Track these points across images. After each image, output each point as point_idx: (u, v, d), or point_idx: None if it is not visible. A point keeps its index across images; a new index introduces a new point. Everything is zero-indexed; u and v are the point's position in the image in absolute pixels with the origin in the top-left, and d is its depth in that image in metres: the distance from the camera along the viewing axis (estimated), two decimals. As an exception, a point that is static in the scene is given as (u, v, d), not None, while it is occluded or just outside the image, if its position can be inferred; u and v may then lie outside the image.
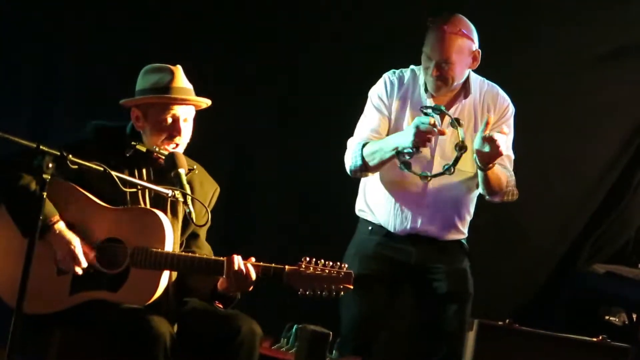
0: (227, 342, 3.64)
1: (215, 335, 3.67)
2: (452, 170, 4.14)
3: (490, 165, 4.14)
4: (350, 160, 4.34)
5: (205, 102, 3.87)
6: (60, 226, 3.61)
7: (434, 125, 4.02)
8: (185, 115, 3.81)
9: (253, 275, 3.64)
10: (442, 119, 4.23)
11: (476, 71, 4.38)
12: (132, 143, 3.76)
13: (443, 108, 4.19)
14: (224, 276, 3.67)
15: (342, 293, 3.68)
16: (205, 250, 3.95)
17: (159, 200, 3.77)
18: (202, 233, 3.95)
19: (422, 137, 4.03)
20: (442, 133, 4.11)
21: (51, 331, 3.69)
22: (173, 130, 3.78)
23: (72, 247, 3.59)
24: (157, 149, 3.77)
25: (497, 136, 4.03)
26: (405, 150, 4.11)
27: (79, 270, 3.61)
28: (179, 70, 3.82)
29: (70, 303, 3.64)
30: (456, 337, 4.37)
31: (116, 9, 5.31)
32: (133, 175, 3.73)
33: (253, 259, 3.69)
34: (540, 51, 5.32)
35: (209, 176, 3.99)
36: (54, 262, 3.65)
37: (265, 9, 5.39)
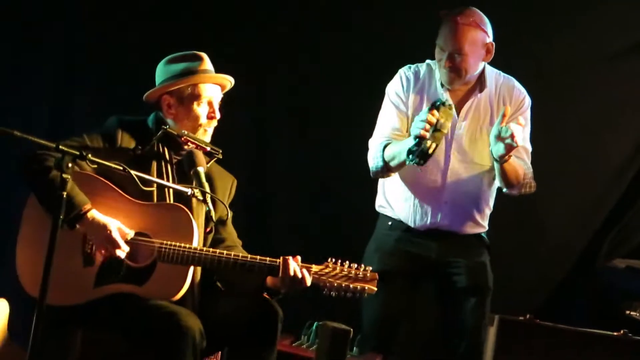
0: (249, 325, 3.65)
1: (236, 320, 3.68)
2: (428, 145, 4.05)
3: (507, 157, 4.14)
4: (372, 162, 4.34)
5: (230, 81, 3.90)
6: (94, 213, 3.59)
7: (431, 113, 4.02)
8: (217, 97, 3.86)
9: (308, 281, 3.70)
10: (457, 111, 4.25)
11: (493, 64, 4.38)
12: (163, 127, 3.76)
13: (441, 99, 4.17)
14: (279, 277, 3.70)
15: (365, 295, 3.72)
16: (233, 235, 3.98)
17: (182, 195, 3.77)
18: (229, 220, 3.95)
19: (419, 129, 4.03)
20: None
21: (72, 332, 3.69)
22: (211, 112, 3.83)
23: (109, 231, 3.58)
24: (185, 132, 3.79)
25: (513, 127, 4.03)
26: (412, 148, 4.09)
27: (121, 254, 3.60)
28: (205, 55, 3.86)
29: (95, 295, 3.64)
30: (475, 332, 4.37)
31: (136, 3, 5.37)
32: (159, 168, 3.75)
33: (299, 258, 3.72)
34: (560, 45, 5.30)
35: (224, 170, 3.99)
36: (80, 254, 3.65)
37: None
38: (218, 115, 3.85)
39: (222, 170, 3.98)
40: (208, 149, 3.82)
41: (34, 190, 3.67)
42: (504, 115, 4.10)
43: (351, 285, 3.69)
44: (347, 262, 3.73)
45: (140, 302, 3.61)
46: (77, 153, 3.21)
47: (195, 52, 3.86)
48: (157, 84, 3.87)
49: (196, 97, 3.81)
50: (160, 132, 3.75)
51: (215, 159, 3.87)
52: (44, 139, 3.25)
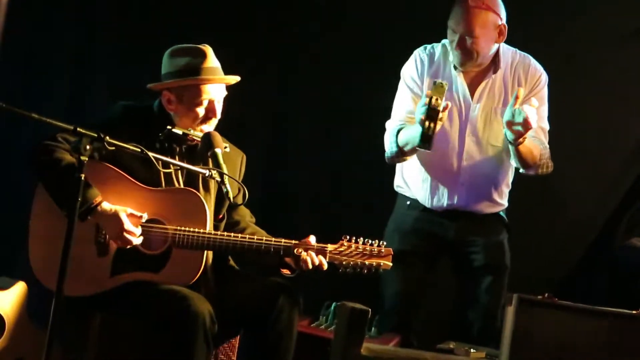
0: (267, 311, 3.69)
1: (254, 306, 3.72)
2: (427, 128, 3.96)
3: (521, 140, 4.12)
4: (387, 147, 4.34)
5: (234, 79, 3.87)
6: (105, 206, 3.59)
7: (429, 97, 3.93)
8: (219, 96, 3.82)
9: (325, 266, 3.78)
10: (471, 92, 4.24)
11: (514, 42, 4.36)
12: (168, 127, 3.76)
13: (439, 81, 4.10)
14: (294, 259, 3.77)
15: (381, 270, 3.81)
16: (247, 217, 4.01)
17: (191, 178, 3.79)
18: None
19: (421, 113, 3.99)
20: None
21: (91, 315, 3.71)
22: (209, 112, 3.81)
23: (122, 222, 3.58)
24: (191, 131, 3.78)
25: (526, 109, 4.01)
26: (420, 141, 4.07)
27: (136, 241, 3.61)
28: (209, 50, 3.82)
29: (112, 285, 3.66)
30: (492, 310, 4.39)
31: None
32: (165, 155, 3.73)
33: (313, 238, 3.78)
34: (581, 21, 5.27)
35: (232, 146, 3.97)
36: (93, 243, 3.66)
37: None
38: (218, 115, 3.84)
39: (231, 147, 3.95)
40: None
41: (45, 184, 3.67)
42: (516, 98, 4.07)
43: (367, 262, 3.80)
44: (362, 238, 3.80)
45: (152, 287, 3.64)
46: (95, 135, 3.21)
47: (199, 46, 3.82)
48: (162, 74, 3.85)
49: (196, 97, 3.79)
50: (165, 132, 3.75)
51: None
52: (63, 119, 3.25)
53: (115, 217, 3.58)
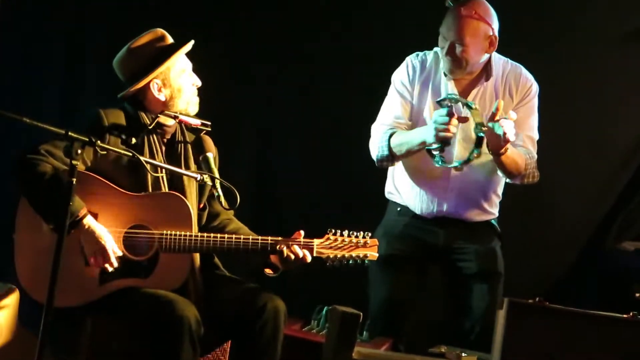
0: (252, 320, 3.66)
1: (240, 314, 3.70)
2: (476, 155, 4.10)
3: (502, 151, 4.13)
4: (377, 150, 4.34)
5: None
6: (89, 221, 3.57)
7: (450, 115, 4.02)
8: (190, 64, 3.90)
9: (308, 259, 3.78)
10: (462, 105, 4.23)
11: (504, 50, 4.36)
12: (158, 114, 3.77)
13: (456, 96, 4.17)
14: (279, 256, 3.76)
15: (367, 261, 3.84)
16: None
17: (173, 176, 3.78)
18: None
19: (442, 131, 4.02)
20: (463, 120, 4.09)
21: (82, 319, 3.70)
22: (195, 81, 3.86)
23: (103, 243, 3.57)
24: (179, 114, 3.80)
25: (503, 122, 4.01)
26: (433, 147, 4.10)
27: (109, 268, 3.60)
28: (162, 30, 3.85)
29: (101, 293, 3.65)
30: (487, 317, 4.36)
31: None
32: (151, 151, 3.75)
33: (302, 233, 3.80)
34: (568, 29, 5.28)
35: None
36: (80, 253, 3.62)
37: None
38: (200, 81, 3.88)
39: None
40: (199, 123, 3.85)
41: (28, 199, 3.62)
42: (497, 110, 4.08)
43: (353, 254, 3.82)
44: (347, 231, 3.83)
45: (137, 292, 3.63)
46: (87, 139, 3.21)
47: (154, 31, 3.83)
48: (127, 74, 3.83)
49: (180, 72, 3.82)
50: (155, 120, 3.76)
51: (204, 132, 3.89)
52: (55, 122, 3.24)
53: (98, 236, 3.56)
